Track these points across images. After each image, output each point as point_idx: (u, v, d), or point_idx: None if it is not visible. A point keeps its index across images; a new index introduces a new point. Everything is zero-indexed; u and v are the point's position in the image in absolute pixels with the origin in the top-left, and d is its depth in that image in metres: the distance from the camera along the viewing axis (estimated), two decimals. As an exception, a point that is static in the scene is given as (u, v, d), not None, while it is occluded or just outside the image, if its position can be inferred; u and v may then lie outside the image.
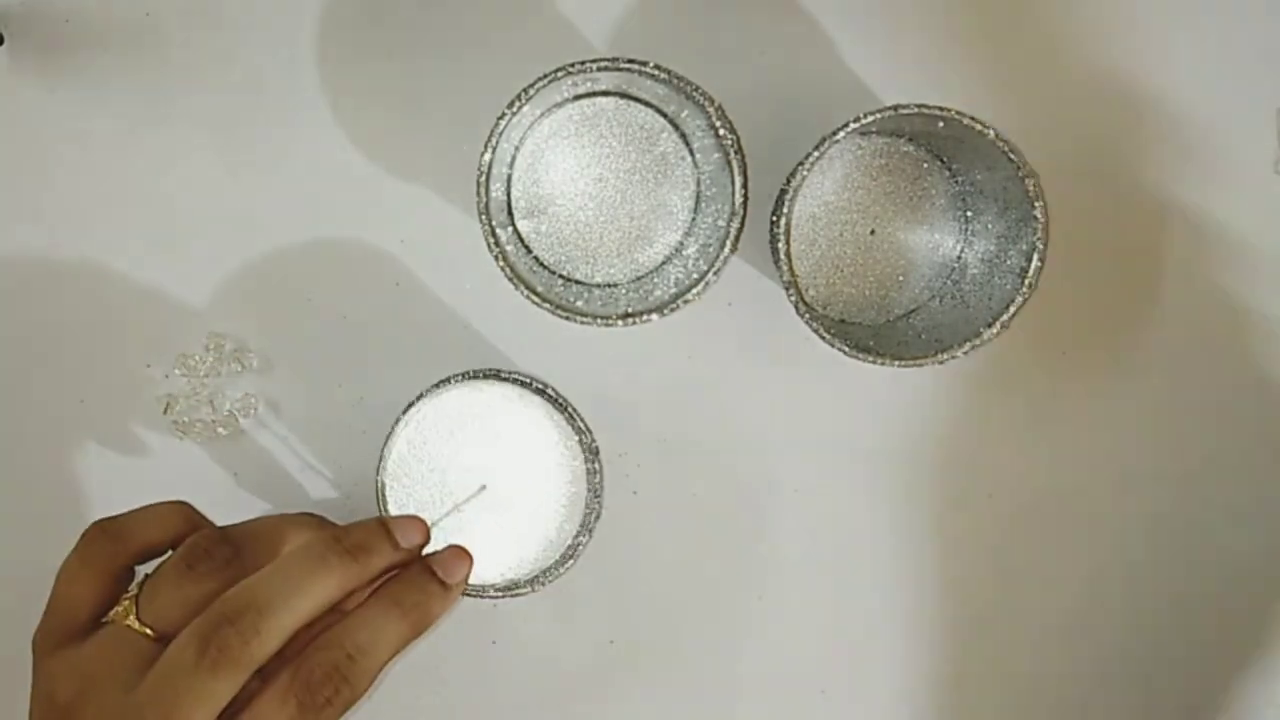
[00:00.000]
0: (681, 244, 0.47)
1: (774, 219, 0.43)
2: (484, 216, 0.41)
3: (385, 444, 0.43)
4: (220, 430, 0.48)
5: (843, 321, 0.48)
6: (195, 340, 0.48)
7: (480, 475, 0.43)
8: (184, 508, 0.39)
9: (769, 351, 0.49)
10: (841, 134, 0.41)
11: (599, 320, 0.42)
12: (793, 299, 0.42)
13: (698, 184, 0.46)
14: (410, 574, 0.38)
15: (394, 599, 0.36)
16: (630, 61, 0.41)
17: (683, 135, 0.46)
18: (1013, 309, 0.42)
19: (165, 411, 0.48)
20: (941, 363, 0.43)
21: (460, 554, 0.38)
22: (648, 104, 0.46)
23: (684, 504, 0.49)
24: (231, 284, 0.48)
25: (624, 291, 0.46)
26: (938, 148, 0.46)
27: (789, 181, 0.43)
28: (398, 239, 0.48)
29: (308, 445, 0.49)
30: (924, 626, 0.50)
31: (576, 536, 0.45)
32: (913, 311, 0.48)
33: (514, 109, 0.41)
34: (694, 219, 0.47)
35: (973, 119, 0.41)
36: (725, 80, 0.43)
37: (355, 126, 0.47)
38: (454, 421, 0.43)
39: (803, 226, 0.47)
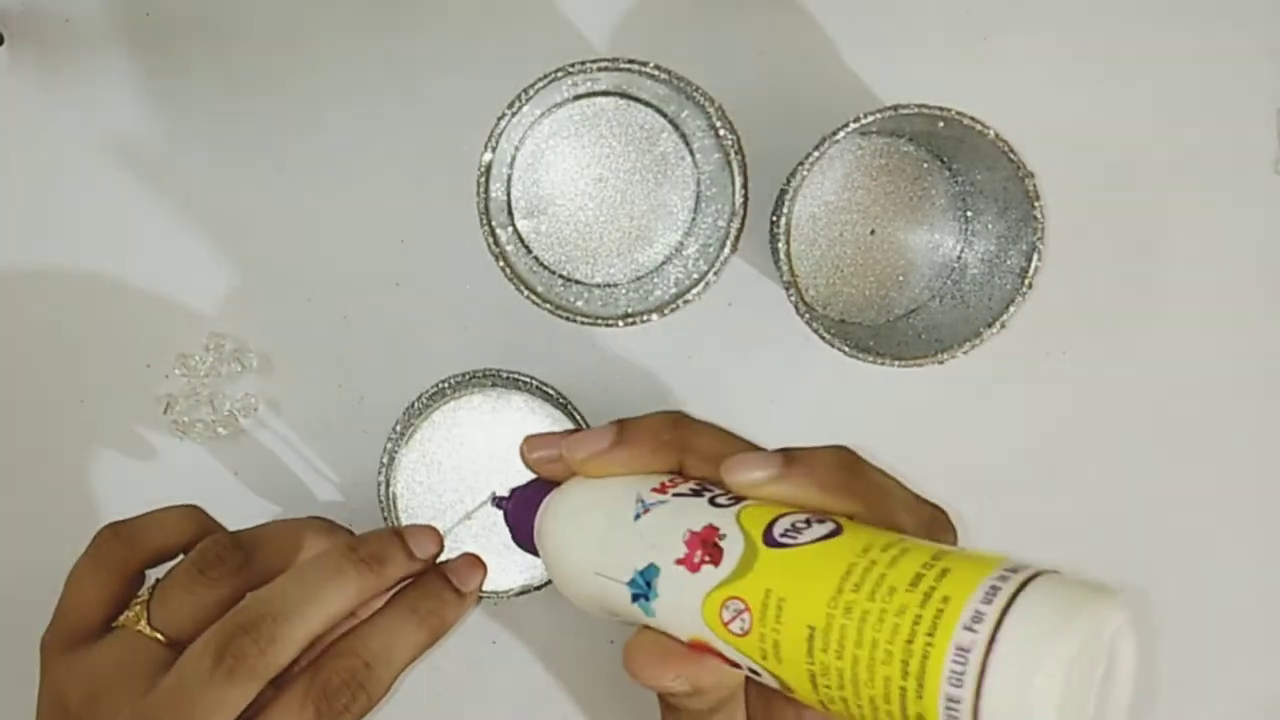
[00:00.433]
0: (681, 244, 0.47)
1: (774, 219, 0.43)
2: (484, 216, 0.41)
3: (393, 452, 0.43)
4: (220, 430, 0.48)
5: (843, 321, 0.48)
6: (195, 340, 0.48)
7: (488, 480, 0.43)
8: (196, 511, 0.39)
9: (769, 351, 0.49)
10: (841, 134, 0.41)
11: (599, 320, 0.42)
12: (793, 299, 0.42)
13: (698, 184, 0.46)
14: (426, 582, 0.38)
15: (410, 606, 0.36)
16: (630, 61, 0.41)
17: (683, 135, 0.46)
18: (1013, 309, 0.42)
19: (165, 411, 0.48)
20: (941, 363, 0.43)
21: (474, 562, 0.39)
22: (648, 104, 0.46)
23: (684, 504, 0.49)
24: (231, 284, 0.48)
25: (624, 291, 0.46)
26: (938, 148, 0.46)
27: (789, 181, 0.43)
28: (398, 239, 0.48)
29: (308, 445, 0.49)
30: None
31: None
32: (913, 311, 0.48)
33: (514, 109, 0.41)
34: (694, 219, 0.46)
35: (973, 119, 0.41)
36: (725, 80, 0.43)
37: (355, 127, 0.47)
38: (463, 428, 0.43)
39: (803, 226, 0.47)
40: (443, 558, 0.39)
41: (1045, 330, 0.49)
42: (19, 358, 0.48)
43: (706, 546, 0.27)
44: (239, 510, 0.48)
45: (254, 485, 0.49)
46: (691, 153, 0.46)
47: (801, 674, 0.25)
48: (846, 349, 0.43)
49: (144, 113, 0.47)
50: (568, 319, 0.42)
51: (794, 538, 0.26)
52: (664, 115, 0.46)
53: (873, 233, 0.47)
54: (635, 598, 0.29)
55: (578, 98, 0.46)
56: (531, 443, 0.34)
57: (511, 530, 0.34)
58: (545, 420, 0.44)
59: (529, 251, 0.47)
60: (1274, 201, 0.49)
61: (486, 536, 0.43)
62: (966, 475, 0.50)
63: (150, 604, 0.36)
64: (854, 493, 0.29)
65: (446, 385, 0.45)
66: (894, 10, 0.47)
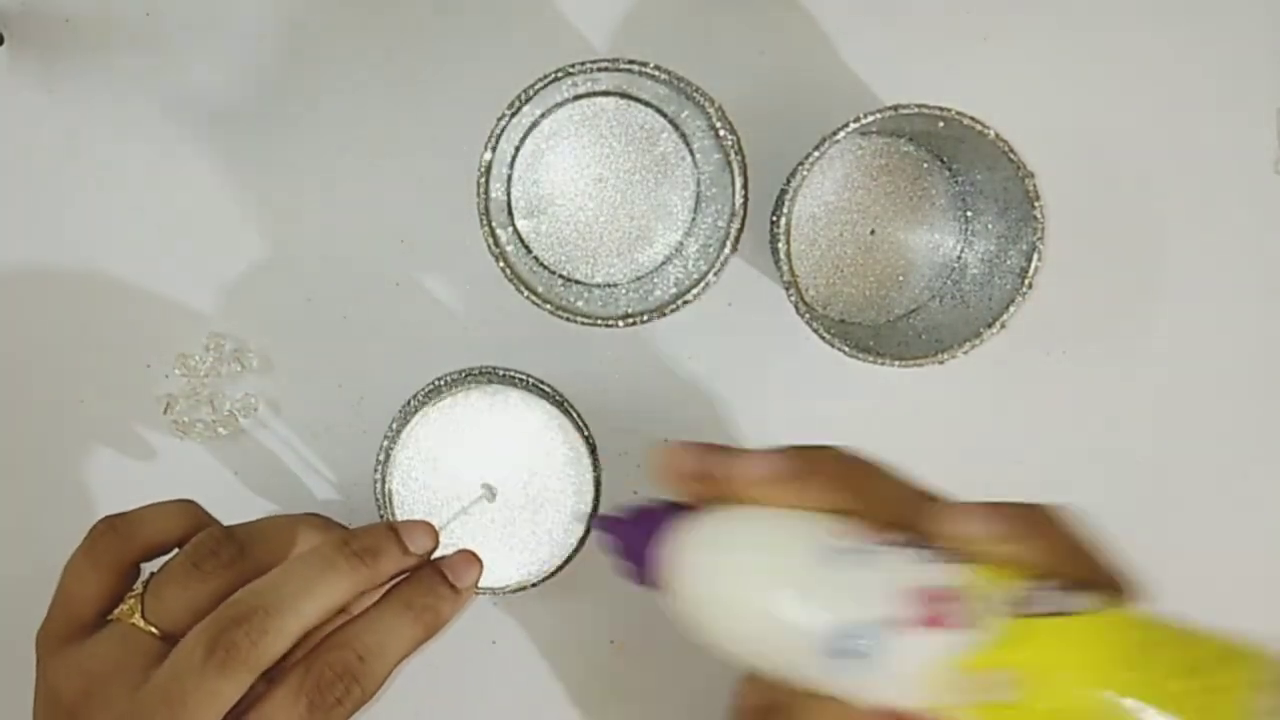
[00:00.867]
0: (681, 244, 0.47)
1: (774, 219, 0.43)
2: (484, 216, 0.41)
3: (389, 449, 0.43)
4: (220, 430, 0.48)
5: (843, 321, 0.48)
6: (195, 340, 0.48)
7: (485, 477, 0.44)
8: (191, 506, 0.39)
9: (769, 351, 0.49)
10: (841, 134, 0.41)
11: (599, 320, 0.42)
12: (793, 299, 0.42)
13: (698, 184, 0.46)
14: (421, 577, 0.38)
15: (405, 601, 0.37)
16: (630, 62, 0.41)
17: (683, 135, 0.46)
18: (1013, 309, 0.42)
19: (165, 411, 0.48)
20: (941, 363, 0.43)
21: (470, 558, 0.39)
22: (648, 104, 0.46)
23: (684, 504, 0.49)
24: (231, 284, 0.48)
25: (624, 291, 0.46)
26: (938, 148, 0.46)
27: (789, 181, 0.43)
28: (398, 239, 0.48)
29: (308, 445, 0.49)
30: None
31: (581, 535, 0.45)
32: (913, 311, 0.48)
33: (514, 109, 0.41)
34: (694, 219, 0.46)
35: (973, 119, 0.41)
36: (725, 80, 0.43)
37: (355, 126, 0.47)
38: (459, 425, 0.43)
39: (803, 226, 0.47)
40: (440, 554, 0.39)
41: (1045, 330, 0.49)
42: (19, 358, 0.48)
43: (943, 605, 0.25)
44: (239, 510, 0.48)
45: (254, 485, 0.49)
46: (691, 153, 0.46)
47: None
48: (846, 349, 0.43)
49: (144, 113, 0.47)
50: (568, 319, 0.42)
51: (1059, 605, 0.25)
52: (664, 115, 0.46)
53: (873, 233, 0.47)
54: (837, 653, 0.25)
55: (578, 98, 0.46)
56: (675, 455, 0.29)
57: (622, 557, 0.31)
58: (542, 416, 0.44)
59: (529, 251, 0.47)
60: (1274, 201, 0.49)
61: (483, 532, 0.43)
62: (966, 475, 0.50)
63: (144, 597, 0.36)
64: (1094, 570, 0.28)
65: (443, 382, 0.45)
66: (894, 10, 0.47)
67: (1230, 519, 0.51)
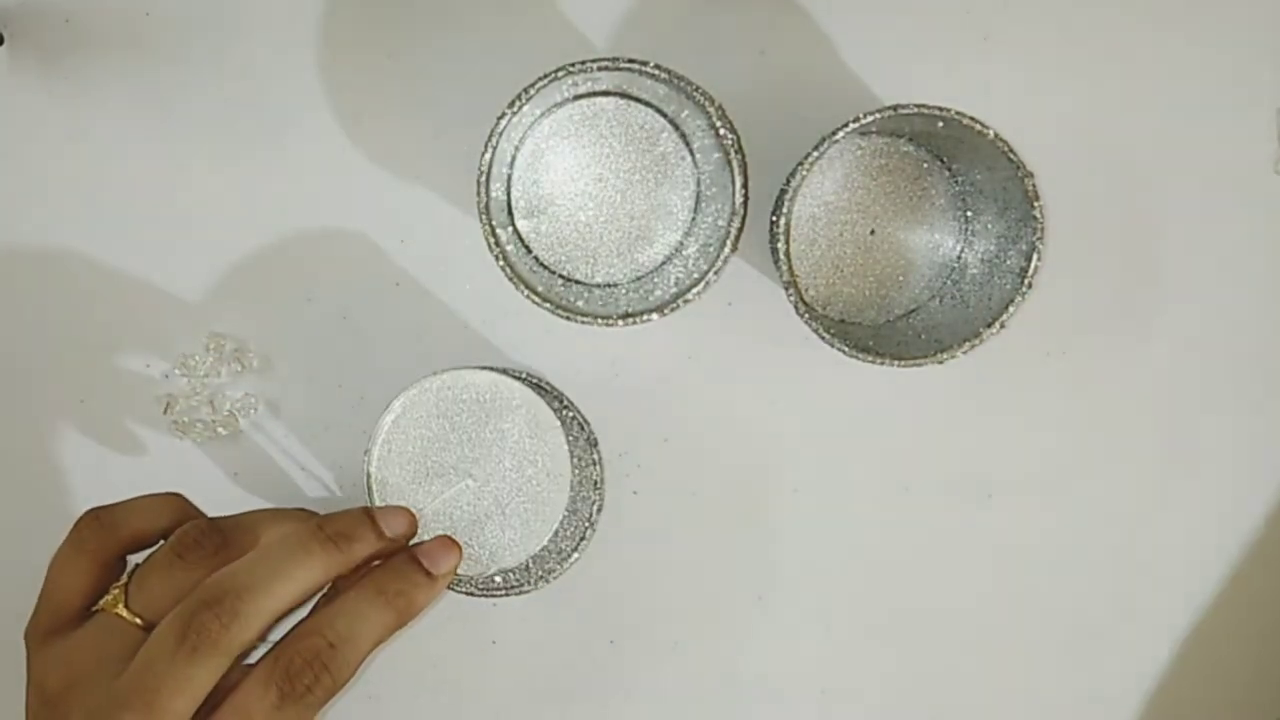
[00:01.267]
0: (681, 244, 0.47)
1: (774, 219, 0.43)
2: (484, 216, 0.41)
3: (373, 434, 0.42)
4: (220, 430, 0.48)
5: (843, 321, 0.48)
6: (195, 340, 0.48)
7: (477, 469, 0.43)
8: (176, 498, 0.40)
9: (769, 351, 0.49)
10: (841, 134, 0.41)
11: (599, 320, 0.42)
12: (793, 299, 0.42)
13: (698, 184, 0.46)
14: (395, 563, 0.38)
15: (378, 587, 0.36)
16: (630, 61, 0.41)
17: (683, 135, 0.46)
18: (1012, 309, 0.42)
19: (165, 411, 0.48)
20: (941, 363, 0.43)
21: (447, 545, 0.39)
22: (648, 104, 0.46)
23: (684, 504, 0.49)
24: (231, 284, 0.48)
25: (624, 291, 0.46)
26: (938, 148, 0.46)
27: (789, 181, 0.43)
28: (398, 239, 0.48)
29: (308, 445, 0.49)
30: (923, 626, 0.50)
31: (578, 529, 0.44)
32: (913, 311, 0.48)
33: (514, 109, 0.41)
34: (694, 219, 0.47)
35: (973, 119, 0.41)
36: (725, 80, 0.43)
37: (356, 126, 0.47)
38: (443, 411, 0.42)
39: (803, 226, 0.47)
40: (422, 540, 0.39)
41: (1045, 330, 0.49)
42: (19, 358, 0.48)
43: None
44: (238, 510, 0.48)
45: (254, 485, 0.49)
46: (691, 153, 0.46)
47: None
48: (846, 349, 0.43)
49: (144, 113, 0.47)
50: (568, 319, 0.42)
51: None
52: (664, 115, 0.46)
53: (873, 233, 0.47)
54: None
55: (578, 98, 0.46)
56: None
57: None
58: (541, 412, 0.43)
59: (529, 251, 0.47)
60: (1274, 201, 0.49)
61: (466, 519, 0.42)
62: (966, 475, 0.50)
63: (128, 588, 0.36)
64: None
65: (434, 375, 0.44)
66: (894, 10, 0.47)
67: (1230, 519, 0.51)
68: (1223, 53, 0.48)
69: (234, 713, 0.33)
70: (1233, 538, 0.51)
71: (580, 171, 0.46)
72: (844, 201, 0.47)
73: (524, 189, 0.46)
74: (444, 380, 0.42)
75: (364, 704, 0.49)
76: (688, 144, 0.46)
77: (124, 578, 0.37)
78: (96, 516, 0.38)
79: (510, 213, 0.46)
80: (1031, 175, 0.41)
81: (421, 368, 0.47)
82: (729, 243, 0.41)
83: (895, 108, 0.41)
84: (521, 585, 0.45)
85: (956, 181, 0.47)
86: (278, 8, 0.47)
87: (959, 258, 0.47)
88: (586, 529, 0.45)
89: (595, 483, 0.45)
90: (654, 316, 0.42)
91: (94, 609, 0.36)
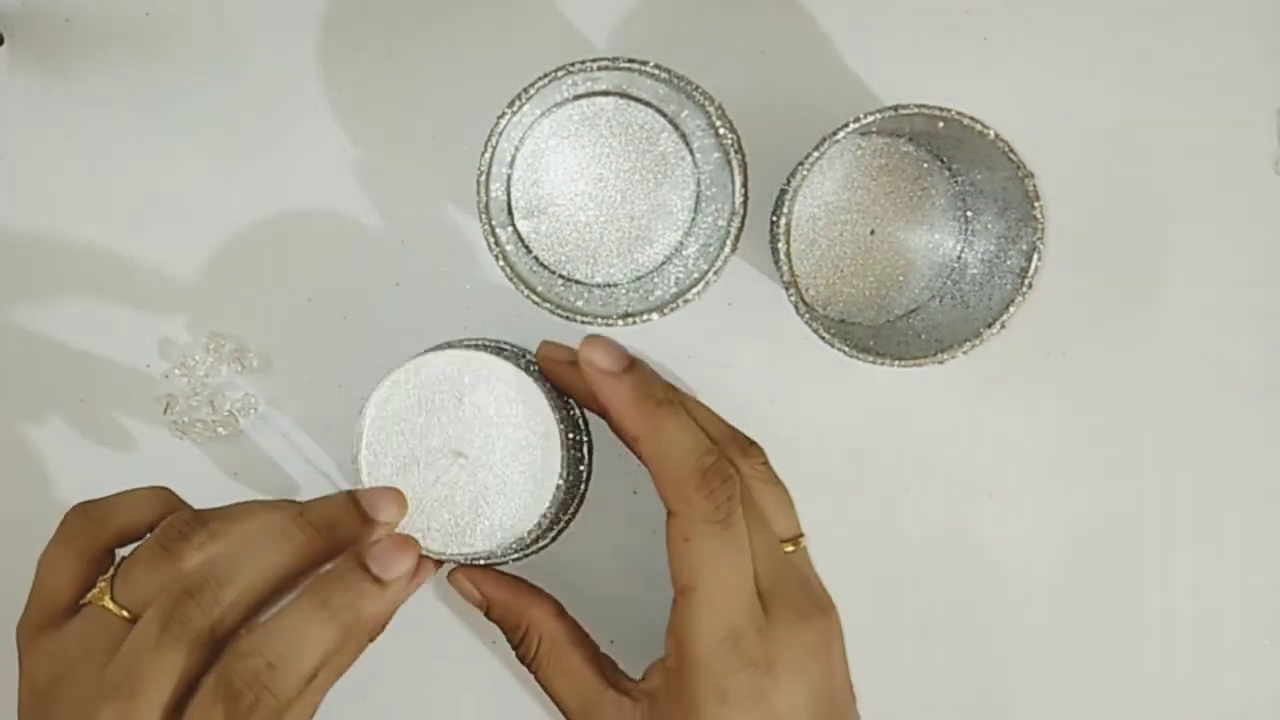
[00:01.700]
0: (681, 244, 0.47)
1: (774, 219, 0.43)
2: (484, 216, 0.41)
3: (355, 442, 0.42)
4: (220, 430, 0.48)
5: (843, 321, 0.48)
6: (195, 340, 0.48)
7: (466, 447, 0.42)
8: (164, 492, 0.39)
9: (769, 352, 0.49)
10: (841, 134, 0.41)
11: (599, 320, 0.42)
12: (793, 299, 0.42)
13: (698, 184, 0.46)
14: (338, 570, 0.35)
15: (321, 600, 0.34)
16: (630, 61, 0.41)
17: (683, 135, 0.46)
18: (1013, 309, 0.42)
19: (165, 411, 0.48)
20: (941, 363, 0.43)
21: (401, 544, 0.36)
22: (648, 104, 0.46)
23: (684, 504, 0.49)
24: (231, 284, 0.48)
25: (624, 291, 0.46)
26: (938, 148, 0.46)
27: (789, 181, 0.43)
28: (398, 239, 0.48)
29: (308, 445, 0.49)
30: (921, 624, 0.50)
31: (565, 505, 0.44)
32: (913, 311, 0.48)
33: (514, 109, 0.41)
34: (694, 219, 0.47)
35: (973, 119, 0.41)
36: (725, 80, 0.43)
37: (355, 126, 0.47)
38: (418, 400, 0.42)
39: (803, 226, 0.47)
40: (409, 524, 0.39)
41: (1045, 330, 0.49)
42: (19, 358, 0.48)
43: None
44: (239, 510, 0.48)
45: (254, 485, 0.49)
46: (691, 153, 0.46)
47: None
48: (846, 349, 0.43)
49: (144, 113, 0.47)
50: (568, 319, 0.42)
51: None
52: (664, 115, 0.46)
53: (873, 233, 0.47)
54: None
55: (578, 97, 0.46)
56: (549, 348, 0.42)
57: None
58: (527, 387, 0.42)
59: (529, 251, 0.47)
60: (1274, 201, 0.49)
61: (468, 498, 0.42)
62: (966, 475, 0.50)
63: (114, 580, 0.36)
64: None
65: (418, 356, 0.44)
66: (894, 10, 0.47)
67: (1230, 519, 0.51)
68: (1223, 53, 0.48)
69: None
70: (1233, 537, 0.51)
71: (580, 171, 0.46)
72: (844, 201, 0.47)
73: (524, 189, 0.46)
74: (409, 370, 0.41)
75: (359, 703, 0.49)
76: (688, 144, 0.46)
77: (111, 570, 0.37)
78: (84, 511, 0.38)
79: (510, 213, 0.46)
80: (1031, 175, 0.41)
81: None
82: (729, 243, 0.41)
83: (895, 108, 0.41)
84: (512, 553, 0.44)
85: (956, 181, 0.47)
86: (278, 8, 0.47)
87: (959, 258, 0.47)
88: (576, 502, 0.45)
89: (584, 456, 0.45)
90: (654, 316, 0.42)
91: (82, 602, 0.36)
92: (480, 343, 0.45)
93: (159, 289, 0.48)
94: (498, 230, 0.42)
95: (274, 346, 0.48)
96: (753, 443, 0.42)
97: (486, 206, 0.41)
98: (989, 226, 0.45)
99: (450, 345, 0.45)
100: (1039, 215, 0.42)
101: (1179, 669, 0.51)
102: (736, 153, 0.41)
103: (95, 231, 0.48)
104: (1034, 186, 0.42)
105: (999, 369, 0.49)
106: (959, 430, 0.50)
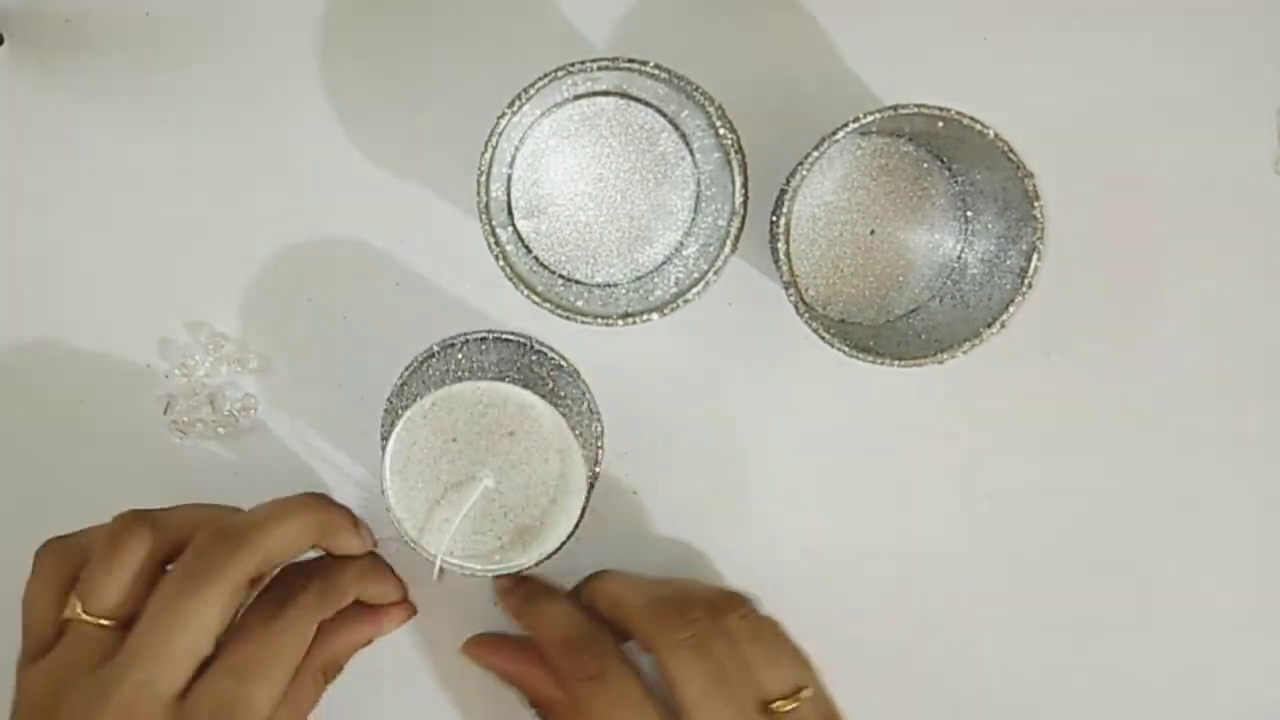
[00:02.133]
0: (681, 244, 0.47)
1: (774, 219, 0.43)
2: (484, 216, 0.41)
3: (382, 479, 0.42)
4: (220, 430, 0.48)
5: (843, 321, 0.48)
6: (195, 340, 0.48)
7: (491, 467, 0.42)
8: (128, 516, 0.41)
9: (769, 351, 0.49)
10: (841, 134, 0.41)
11: (599, 320, 0.42)
12: (793, 299, 0.42)
13: (698, 184, 0.46)
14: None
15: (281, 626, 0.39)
16: (630, 61, 0.41)
17: (683, 135, 0.46)
18: (1012, 309, 0.42)
19: (165, 411, 0.48)
20: (941, 363, 0.43)
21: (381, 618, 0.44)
22: (648, 104, 0.46)
23: (684, 503, 0.49)
24: (231, 284, 0.48)
25: (624, 291, 0.46)
26: (938, 148, 0.46)
27: (789, 181, 0.43)
28: (398, 239, 0.48)
29: (308, 445, 0.49)
30: (921, 624, 0.50)
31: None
32: (913, 311, 0.48)
33: (514, 109, 0.41)
34: (694, 219, 0.47)
35: (973, 119, 0.41)
36: (725, 80, 0.43)
37: (355, 127, 0.47)
38: (436, 430, 0.42)
39: (803, 226, 0.47)
40: (438, 547, 0.40)
41: (1045, 330, 0.49)
42: (19, 358, 0.48)
43: None
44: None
45: (254, 486, 0.49)
46: (691, 153, 0.46)
47: None
48: (846, 349, 0.43)
49: (144, 113, 0.47)
50: (568, 319, 0.42)
51: None
52: (664, 115, 0.46)
53: (873, 233, 0.47)
54: None
55: (578, 97, 0.46)
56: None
57: None
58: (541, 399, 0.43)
59: (529, 251, 0.47)
60: (1274, 201, 0.49)
61: (499, 515, 0.42)
62: (966, 475, 0.50)
63: (80, 594, 0.37)
64: None
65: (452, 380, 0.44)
66: (894, 10, 0.47)
67: (1230, 518, 0.51)
68: (1223, 53, 0.48)
69: None
70: (1233, 537, 0.51)
71: (580, 171, 0.46)
72: (844, 201, 0.47)
73: (524, 189, 0.46)
74: (425, 405, 0.41)
75: (358, 704, 0.49)
76: (688, 144, 0.46)
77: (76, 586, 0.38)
78: (56, 546, 0.40)
79: (510, 213, 0.46)
80: (1031, 175, 0.41)
81: (421, 368, 0.47)
82: (729, 243, 0.41)
83: (895, 108, 0.41)
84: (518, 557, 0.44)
85: (956, 181, 0.47)
86: (278, 8, 0.47)
87: (959, 258, 0.47)
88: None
89: (596, 452, 0.46)
90: (654, 316, 0.42)
91: (63, 620, 0.38)
92: (484, 335, 0.45)
93: (159, 289, 0.48)
94: (498, 230, 0.42)
95: (274, 346, 0.48)
96: (731, 598, 0.42)
97: (486, 206, 0.41)
98: (989, 226, 0.45)
99: (452, 343, 0.45)
100: (1039, 215, 0.42)
101: (1178, 669, 0.51)
102: (736, 153, 0.41)
103: (95, 231, 0.48)
104: (1034, 186, 0.42)
105: (999, 369, 0.49)
106: (959, 430, 0.50)
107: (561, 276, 0.47)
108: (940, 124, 0.42)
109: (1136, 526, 0.51)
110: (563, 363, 0.48)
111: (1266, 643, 0.51)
